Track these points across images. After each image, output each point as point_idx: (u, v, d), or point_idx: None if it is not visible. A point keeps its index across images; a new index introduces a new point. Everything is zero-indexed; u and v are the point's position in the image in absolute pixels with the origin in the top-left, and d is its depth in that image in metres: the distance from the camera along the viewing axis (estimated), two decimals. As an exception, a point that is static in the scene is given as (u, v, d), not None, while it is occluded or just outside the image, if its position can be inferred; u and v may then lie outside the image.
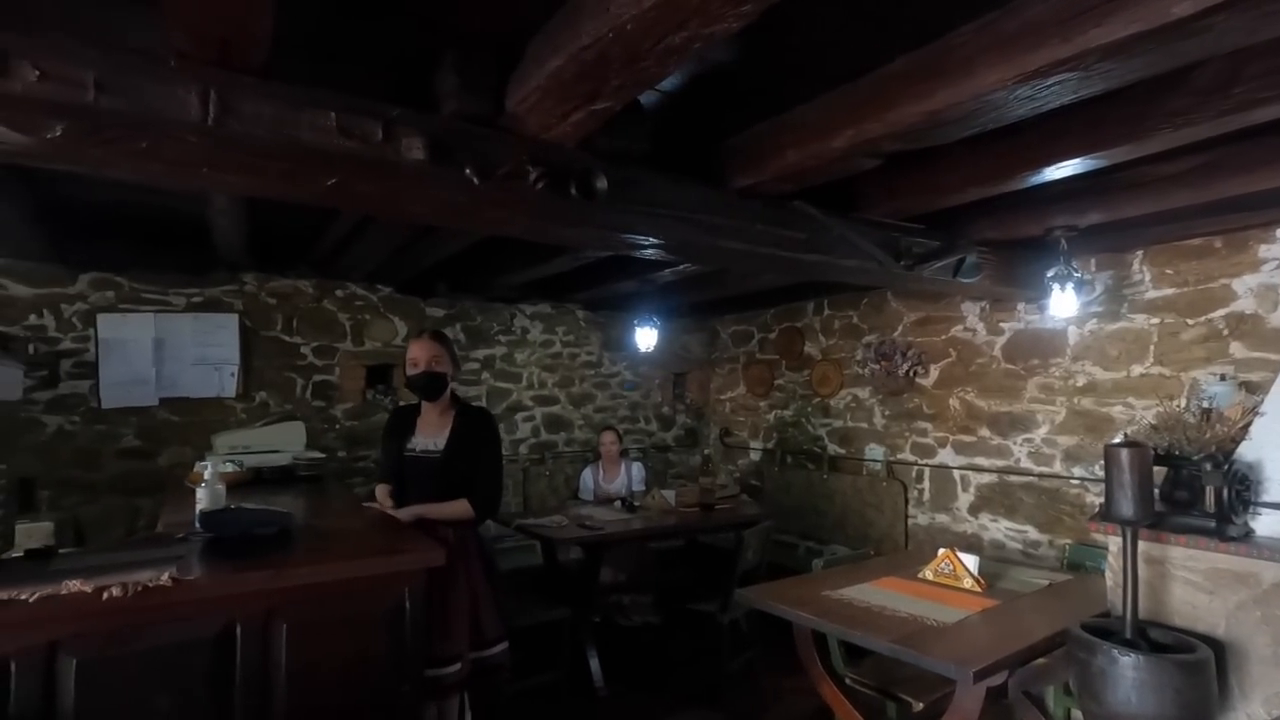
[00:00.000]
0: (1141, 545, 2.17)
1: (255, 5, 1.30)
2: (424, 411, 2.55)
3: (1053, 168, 2.19)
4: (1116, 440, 2.27)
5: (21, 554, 1.60)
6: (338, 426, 4.42)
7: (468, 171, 1.80)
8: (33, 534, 2.58)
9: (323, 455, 3.59)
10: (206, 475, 1.95)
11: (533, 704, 3.36)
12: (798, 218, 2.50)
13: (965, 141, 2.12)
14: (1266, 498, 2.18)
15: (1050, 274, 3.14)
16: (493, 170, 1.83)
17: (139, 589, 1.39)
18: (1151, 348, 3.38)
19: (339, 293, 4.48)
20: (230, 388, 4.05)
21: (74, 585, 1.34)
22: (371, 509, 2.39)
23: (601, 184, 1.99)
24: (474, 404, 2.85)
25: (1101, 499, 3.48)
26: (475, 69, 1.76)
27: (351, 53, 1.79)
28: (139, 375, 3.80)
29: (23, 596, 1.30)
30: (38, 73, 1.34)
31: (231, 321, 4.07)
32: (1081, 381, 3.64)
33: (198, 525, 1.89)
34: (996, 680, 1.98)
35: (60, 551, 1.65)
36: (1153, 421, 2.83)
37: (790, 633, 2.67)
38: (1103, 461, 3.55)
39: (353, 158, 1.66)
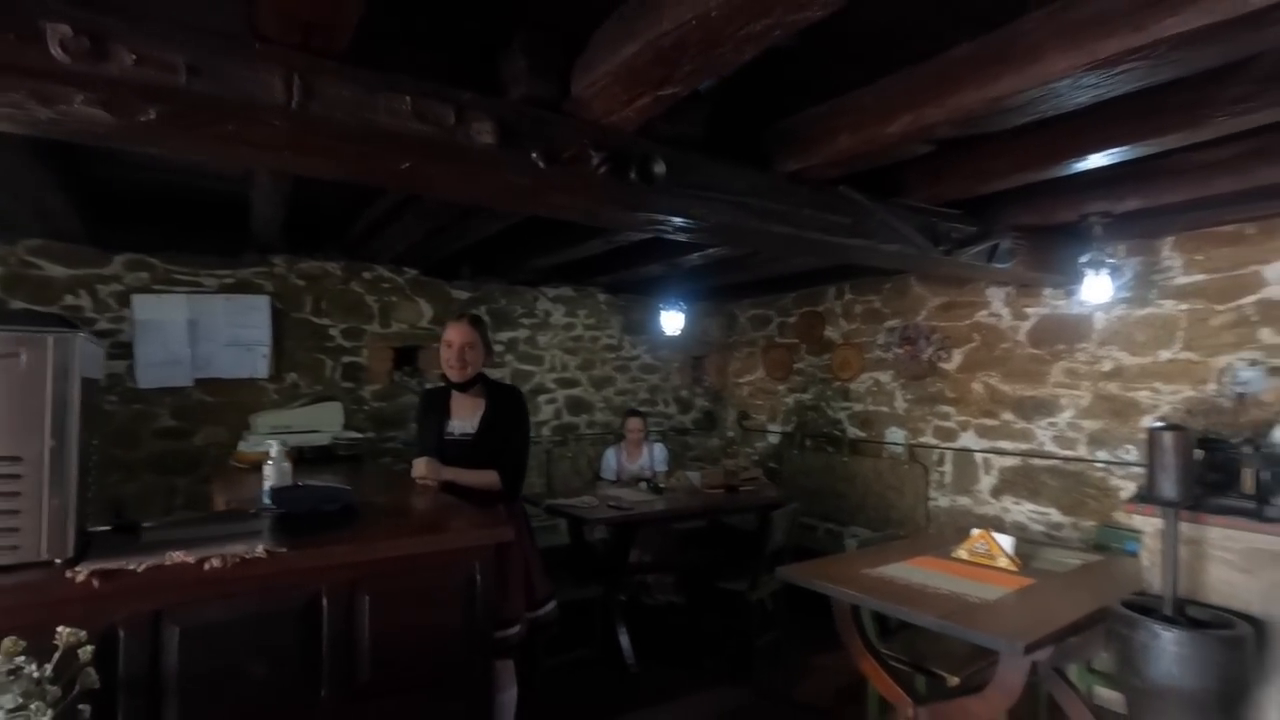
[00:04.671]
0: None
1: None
2: (455, 395, 2.60)
3: (1102, 154, 2.21)
4: (1159, 423, 2.32)
5: (109, 528, 1.65)
6: (366, 408, 4.46)
7: (534, 155, 1.83)
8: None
9: (361, 435, 3.64)
10: (273, 453, 2.00)
11: (568, 678, 3.44)
12: (843, 202, 2.53)
13: (1013, 128, 2.14)
14: (1304, 480, 2.23)
15: (1084, 259, 3.16)
16: (558, 154, 1.86)
17: (237, 560, 1.44)
18: (1180, 333, 3.41)
19: (366, 275, 4.51)
20: (262, 368, 4.09)
21: (177, 556, 1.39)
22: (420, 475, 2.45)
23: (660, 168, 2.02)
24: (504, 383, 2.90)
25: (1126, 482, 3.54)
26: (543, 53, 1.78)
27: (420, 36, 1.81)
28: (174, 356, 3.84)
29: (131, 566, 1.34)
30: (134, 57, 1.36)
31: (263, 303, 4.10)
32: (1107, 366, 3.68)
33: (267, 501, 1.94)
34: (1043, 655, 2.04)
35: (144, 525, 1.70)
36: (1186, 404, 2.88)
37: (816, 611, 2.74)
38: (1128, 445, 3.61)
39: (426, 141, 1.69)
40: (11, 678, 0.99)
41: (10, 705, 0.97)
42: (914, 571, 2.63)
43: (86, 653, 1.07)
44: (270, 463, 2.00)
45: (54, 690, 1.03)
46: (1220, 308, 3.29)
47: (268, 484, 1.98)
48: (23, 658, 1.01)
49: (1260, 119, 1.89)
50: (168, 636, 1.39)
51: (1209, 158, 2.42)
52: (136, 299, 3.76)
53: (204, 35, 1.43)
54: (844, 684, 3.41)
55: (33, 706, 0.98)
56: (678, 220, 2.24)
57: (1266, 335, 3.14)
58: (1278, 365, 3.03)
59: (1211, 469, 2.40)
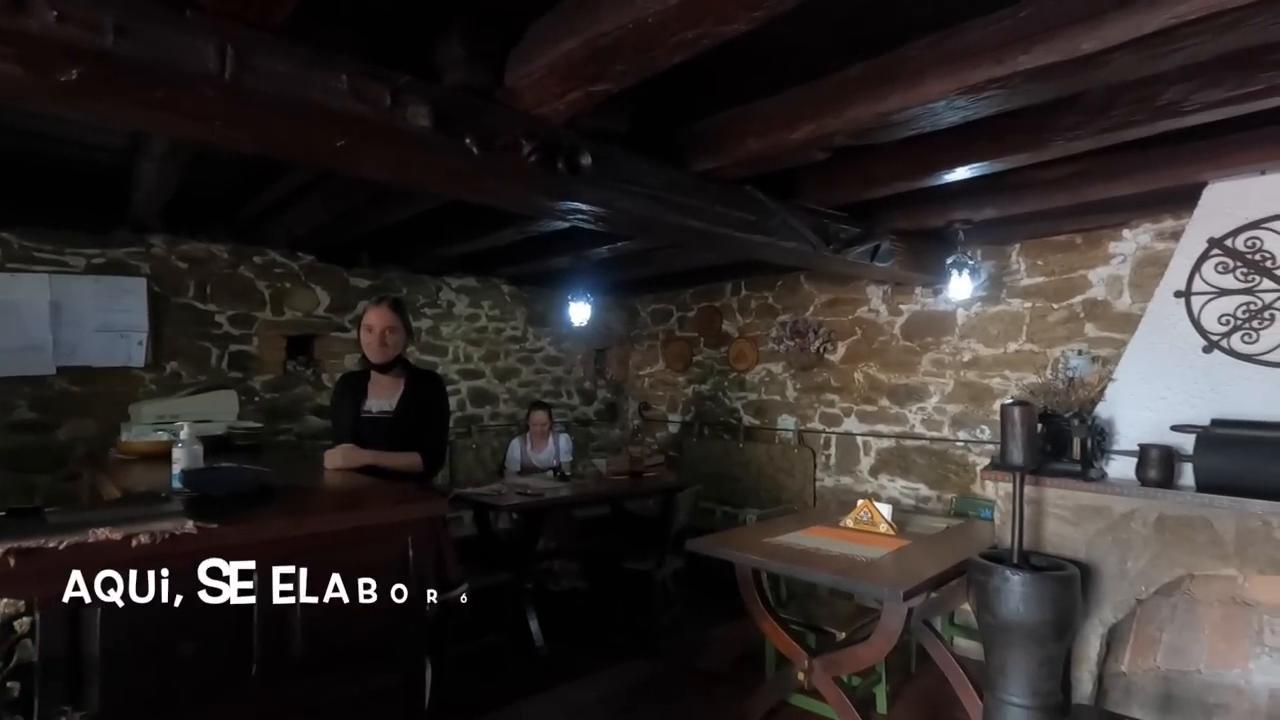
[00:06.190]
0: (1025, 487, 2.61)
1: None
2: (374, 377, 2.62)
3: (965, 168, 2.56)
4: (1009, 401, 2.71)
5: (5, 513, 1.55)
6: (257, 399, 4.24)
7: (468, 141, 1.88)
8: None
9: (260, 425, 3.47)
10: (183, 436, 1.92)
11: (479, 665, 3.47)
12: (748, 201, 2.74)
13: (893, 142, 2.43)
14: (1117, 447, 2.69)
15: (950, 261, 3.59)
16: (491, 141, 1.92)
17: (166, 536, 1.40)
18: (1024, 327, 3.94)
19: (257, 259, 4.28)
20: (138, 357, 3.79)
21: (102, 533, 1.34)
22: (335, 466, 2.42)
23: (586, 160, 2.13)
24: (423, 367, 2.92)
25: (982, 459, 4.03)
26: (481, 41, 1.84)
27: (352, 17, 1.81)
28: (33, 341, 3.48)
29: (51, 544, 1.29)
30: (55, 13, 1.30)
31: (139, 286, 3.80)
32: (967, 357, 4.17)
33: (178, 484, 1.87)
34: (918, 601, 2.34)
35: (47, 510, 1.60)
36: (1029, 387, 3.34)
37: (712, 590, 2.96)
38: (983, 426, 4.09)
39: (362, 121, 1.70)
40: (-51, 649, 0.96)
41: (-50, 676, 0.94)
42: (808, 539, 2.90)
43: (24, 624, 1.04)
44: (180, 445, 1.92)
45: (-8, 662, 1.00)
46: (1056, 306, 3.83)
47: (178, 467, 1.90)
48: (-39, 629, 0.98)
49: (1087, 145, 2.28)
50: (88, 615, 1.34)
51: (1048, 176, 2.84)
52: (-13, 277, 3.39)
53: (131, -4, 1.39)
54: (741, 652, 3.66)
55: (-24, 676, 0.95)
56: (600, 211, 2.35)
57: (1090, 329, 3.71)
58: (1099, 354, 3.59)
59: (1048, 440, 2.83)
